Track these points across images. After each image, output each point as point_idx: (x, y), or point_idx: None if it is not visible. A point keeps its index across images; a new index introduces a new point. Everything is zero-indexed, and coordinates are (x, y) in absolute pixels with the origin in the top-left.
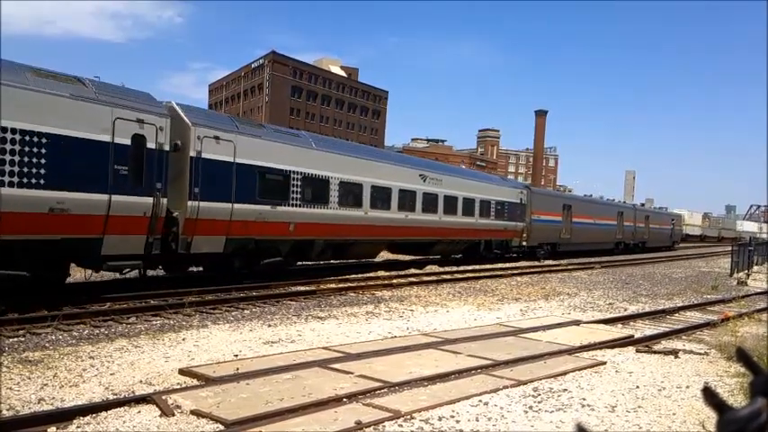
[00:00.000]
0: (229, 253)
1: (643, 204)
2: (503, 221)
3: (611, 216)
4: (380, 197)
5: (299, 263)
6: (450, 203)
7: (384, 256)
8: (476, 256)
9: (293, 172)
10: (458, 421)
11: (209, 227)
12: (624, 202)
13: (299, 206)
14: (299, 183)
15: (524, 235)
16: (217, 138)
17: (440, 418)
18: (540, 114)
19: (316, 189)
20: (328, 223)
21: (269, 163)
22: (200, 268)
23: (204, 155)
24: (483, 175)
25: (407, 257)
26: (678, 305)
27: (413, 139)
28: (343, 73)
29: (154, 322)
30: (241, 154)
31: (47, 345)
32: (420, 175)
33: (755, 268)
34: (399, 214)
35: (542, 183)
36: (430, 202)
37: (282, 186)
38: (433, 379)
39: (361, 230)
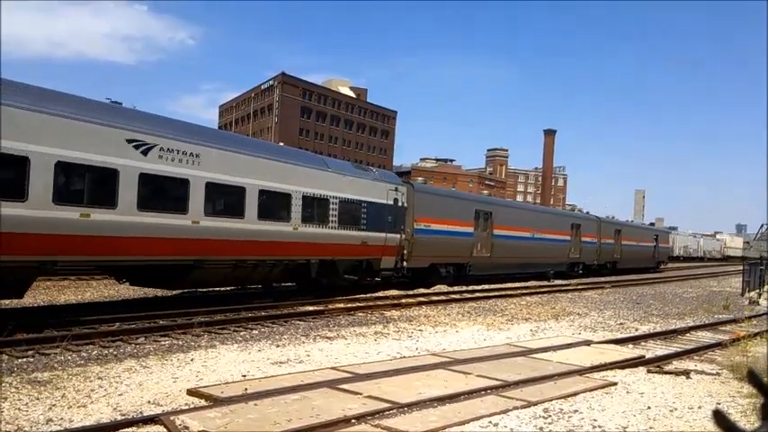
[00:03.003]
0: None
1: (653, 224)
2: (357, 231)
3: (560, 229)
4: None
5: None
6: (226, 197)
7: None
8: (309, 287)
9: None
10: None
11: None
12: (587, 213)
13: None
14: None
15: (404, 252)
16: None
17: None
18: (549, 133)
19: None
20: None
21: None
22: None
23: None
24: (311, 156)
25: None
26: (689, 325)
27: (421, 159)
28: (352, 93)
29: (162, 342)
30: None
31: (56, 365)
32: (131, 141)
33: (767, 287)
34: (55, 211)
35: (551, 202)
36: (166, 194)
37: None
38: (442, 400)
39: None
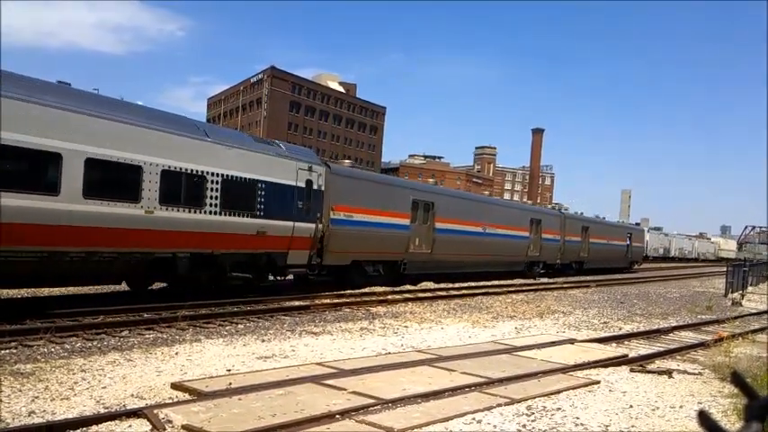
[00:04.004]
0: None
1: (638, 224)
2: (250, 218)
3: (518, 224)
4: None
5: None
6: (26, 166)
7: None
8: (181, 287)
9: None
10: None
11: None
12: (554, 207)
13: None
14: None
15: (320, 245)
16: None
17: None
18: (537, 132)
19: None
20: None
21: None
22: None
23: None
24: (181, 119)
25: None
26: (672, 325)
27: (410, 156)
28: (341, 89)
29: (147, 336)
30: None
31: (39, 357)
32: None
33: (750, 289)
34: None
35: (538, 201)
36: None
37: None
38: (426, 396)
39: None
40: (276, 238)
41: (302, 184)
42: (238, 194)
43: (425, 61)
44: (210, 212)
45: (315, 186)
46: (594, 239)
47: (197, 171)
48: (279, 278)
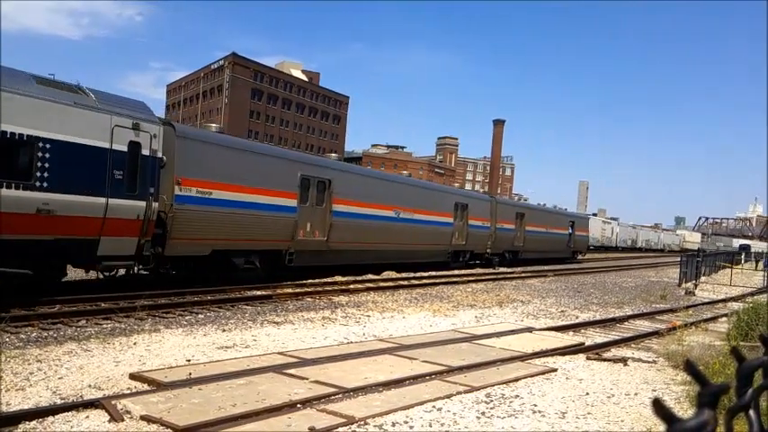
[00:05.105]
0: None
1: (595, 214)
2: (23, 191)
3: (439, 209)
4: None
5: None
6: None
7: None
8: None
9: None
10: (411, 427)
11: None
12: (484, 192)
13: None
14: None
15: (161, 230)
16: None
17: (393, 424)
18: (498, 123)
19: None
20: None
21: None
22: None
23: None
24: None
25: None
26: (628, 314)
27: (373, 145)
28: (304, 77)
29: (104, 326)
30: None
31: None
32: None
33: (703, 278)
34: None
35: (499, 191)
36: None
37: None
38: (387, 385)
39: None
40: (75, 220)
41: (122, 148)
42: None
43: (388, 52)
44: None
45: (146, 152)
46: (531, 227)
47: None
48: (105, 275)
